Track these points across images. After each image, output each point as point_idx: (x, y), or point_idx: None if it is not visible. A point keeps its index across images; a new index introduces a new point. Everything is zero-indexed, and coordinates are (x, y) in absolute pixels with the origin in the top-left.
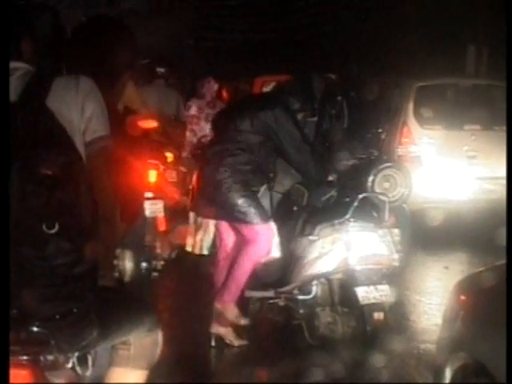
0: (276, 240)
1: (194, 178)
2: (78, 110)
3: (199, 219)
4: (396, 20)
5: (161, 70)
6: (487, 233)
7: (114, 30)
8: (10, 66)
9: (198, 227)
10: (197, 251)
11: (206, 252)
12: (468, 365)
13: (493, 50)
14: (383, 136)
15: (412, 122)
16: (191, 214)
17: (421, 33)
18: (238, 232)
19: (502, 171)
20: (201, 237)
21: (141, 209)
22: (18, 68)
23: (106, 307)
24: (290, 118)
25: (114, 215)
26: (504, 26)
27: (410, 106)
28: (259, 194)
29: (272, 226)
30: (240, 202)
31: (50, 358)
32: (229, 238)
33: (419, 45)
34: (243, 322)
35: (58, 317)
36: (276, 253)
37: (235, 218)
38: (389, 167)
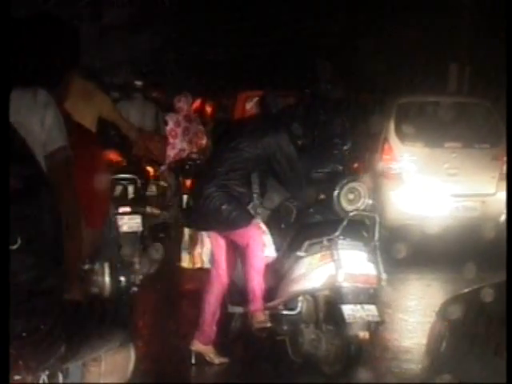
0: (269, 238)
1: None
2: (38, 122)
3: (195, 234)
4: (379, 38)
5: (138, 83)
6: (469, 250)
7: (54, 28)
8: None
9: (194, 242)
10: (197, 265)
11: (208, 265)
12: None
13: (475, 68)
14: (347, 151)
15: (393, 138)
16: (186, 230)
17: (404, 50)
18: (232, 246)
19: (483, 189)
20: (199, 251)
21: (106, 213)
22: None
23: (75, 322)
24: (292, 144)
25: (77, 227)
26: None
27: (392, 122)
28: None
29: (261, 224)
30: (225, 210)
31: (18, 378)
32: (221, 257)
33: (401, 62)
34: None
35: (24, 334)
36: (271, 252)
37: (223, 227)
38: (353, 180)
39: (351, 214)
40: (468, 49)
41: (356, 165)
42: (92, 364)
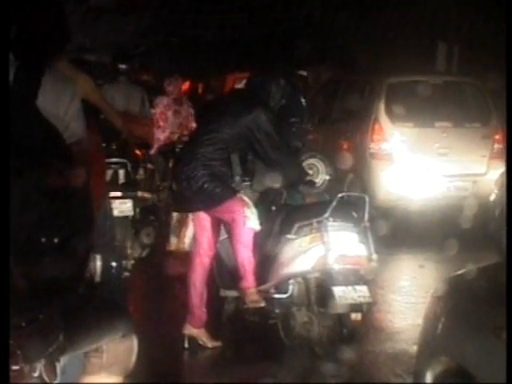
0: (252, 211)
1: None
2: (63, 111)
3: (182, 217)
4: (367, 17)
5: (123, 66)
6: (460, 230)
7: (44, 8)
8: None
9: (181, 225)
10: (181, 248)
11: (184, 248)
12: (450, 369)
13: (463, 47)
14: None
15: (383, 119)
16: (174, 213)
17: (392, 30)
18: (215, 227)
19: (473, 168)
20: (185, 234)
21: (102, 197)
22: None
23: (74, 312)
24: (270, 119)
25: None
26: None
27: (382, 103)
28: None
29: (243, 198)
30: (207, 187)
31: (16, 368)
32: (202, 237)
33: (390, 42)
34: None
35: (23, 324)
36: (255, 224)
37: (208, 204)
38: (311, 157)
39: (340, 195)
40: (456, 27)
41: (345, 145)
42: (94, 355)
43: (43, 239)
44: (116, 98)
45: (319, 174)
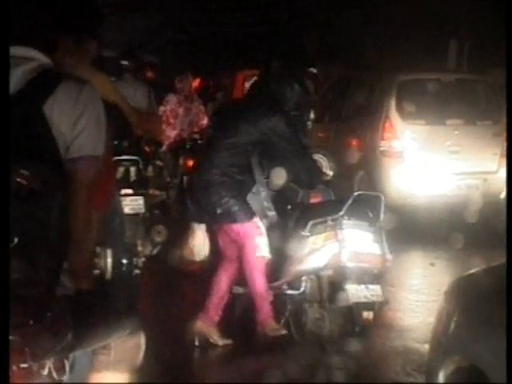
0: (264, 240)
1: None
2: (71, 123)
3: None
4: (378, 15)
5: (125, 63)
6: (470, 228)
7: None
8: (21, 53)
9: (189, 233)
10: (189, 257)
11: (196, 258)
12: (462, 368)
13: (474, 44)
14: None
15: (394, 116)
16: (192, 223)
17: (403, 27)
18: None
19: (484, 166)
20: (192, 243)
21: (111, 194)
22: (33, 59)
23: (83, 310)
24: (288, 124)
25: (85, 242)
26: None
27: (393, 100)
28: (250, 193)
29: (259, 224)
30: (226, 202)
31: (24, 365)
32: (225, 247)
33: (401, 39)
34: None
35: (31, 322)
36: (265, 252)
37: (222, 219)
38: (315, 152)
39: (356, 193)
40: (467, 25)
41: (356, 143)
42: (102, 352)
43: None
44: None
45: (323, 169)
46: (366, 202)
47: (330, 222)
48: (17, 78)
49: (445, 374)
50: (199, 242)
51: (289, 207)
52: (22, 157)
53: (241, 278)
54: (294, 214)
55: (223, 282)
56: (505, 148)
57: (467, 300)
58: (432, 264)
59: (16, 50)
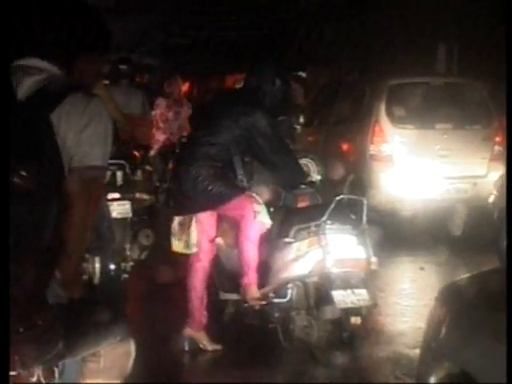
0: (263, 207)
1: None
2: (76, 132)
3: (183, 219)
4: (367, 19)
5: (123, 67)
6: (460, 232)
7: (71, 3)
8: (36, 65)
9: (183, 228)
10: (181, 250)
11: (190, 250)
12: (453, 374)
13: (463, 48)
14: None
15: (384, 120)
16: (176, 217)
17: (392, 30)
18: (215, 230)
19: (474, 170)
20: (189, 236)
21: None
22: (46, 70)
23: (73, 318)
24: (269, 122)
25: (78, 252)
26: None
27: (382, 104)
28: None
29: (252, 194)
30: (214, 186)
31: (13, 373)
32: (203, 241)
33: (390, 42)
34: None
35: (21, 330)
36: (265, 219)
37: (215, 203)
38: (302, 157)
39: (338, 197)
40: (457, 28)
41: (346, 147)
42: (91, 359)
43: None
44: (118, 100)
45: (310, 173)
46: (350, 205)
47: (313, 228)
48: (28, 86)
49: (435, 380)
50: (194, 235)
51: (271, 210)
52: (23, 159)
53: (227, 285)
54: (276, 219)
55: (197, 282)
56: (494, 152)
57: (458, 306)
58: (421, 268)
59: (31, 61)
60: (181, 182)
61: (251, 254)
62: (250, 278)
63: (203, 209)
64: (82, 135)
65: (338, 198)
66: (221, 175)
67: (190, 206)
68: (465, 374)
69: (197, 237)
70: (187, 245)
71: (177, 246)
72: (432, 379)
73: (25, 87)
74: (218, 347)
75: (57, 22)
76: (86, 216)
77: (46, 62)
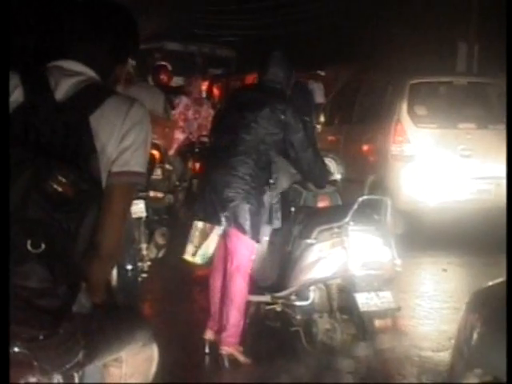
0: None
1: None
2: (118, 138)
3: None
4: (388, 18)
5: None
6: (483, 233)
7: (113, 13)
8: (75, 68)
9: (203, 235)
10: (190, 259)
11: (199, 261)
12: (486, 382)
13: (484, 46)
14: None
15: (406, 120)
16: (197, 223)
17: (413, 30)
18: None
19: (497, 171)
20: (197, 244)
21: None
22: (83, 73)
23: (94, 326)
24: (300, 118)
25: (116, 257)
26: (495, 23)
27: (404, 103)
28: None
29: (255, 245)
30: (244, 214)
31: (33, 380)
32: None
33: (411, 42)
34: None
35: (41, 337)
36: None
37: (235, 224)
38: (324, 156)
39: (361, 198)
40: (477, 27)
41: (367, 147)
42: (113, 365)
43: (28, 243)
44: (141, 100)
45: (331, 172)
46: (373, 206)
47: (335, 229)
48: (67, 87)
49: None
50: (208, 247)
51: (292, 209)
52: (62, 164)
53: (250, 286)
54: (297, 218)
55: (218, 284)
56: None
57: (490, 312)
58: (444, 270)
59: (70, 65)
60: (210, 189)
61: (235, 307)
62: (231, 334)
63: (218, 222)
64: (125, 141)
65: (361, 198)
66: (255, 195)
67: (215, 217)
68: (497, 382)
69: (221, 244)
70: (203, 255)
71: (189, 253)
72: None
73: (65, 88)
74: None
75: (103, 29)
76: (123, 220)
77: (83, 65)
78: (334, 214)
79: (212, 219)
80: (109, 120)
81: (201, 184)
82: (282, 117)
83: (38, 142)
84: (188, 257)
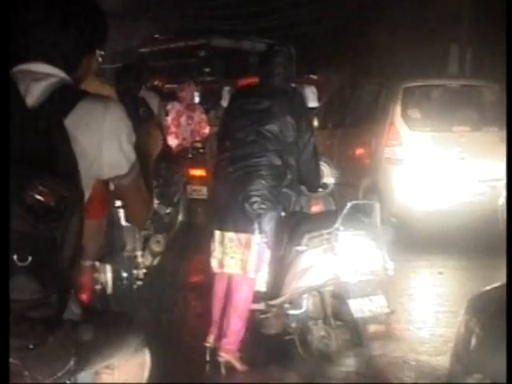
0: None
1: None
2: (100, 140)
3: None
4: (380, 21)
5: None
6: (479, 236)
7: (81, 4)
8: (42, 70)
9: (225, 246)
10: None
11: (252, 275)
12: None
13: (476, 49)
14: None
15: (400, 123)
16: (217, 232)
17: (405, 32)
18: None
19: (492, 173)
20: (242, 257)
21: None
22: (53, 75)
23: (86, 333)
24: (305, 121)
25: (92, 256)
26: (487, 25)
27: (398, 107)
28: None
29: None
30: (269, 218)
31: None
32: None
33: (402, 44)
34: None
35: (31, 346)
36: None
37: (249, 229)
38: None
39: (350, 203)
40: (469, 29)
41: (360, 150)
42: (105, 372)
43: (15, 257)
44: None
45: (324, 176)
46: (363, 210)
47: (325, 235)
48: (38, 92)
49: None
50: (253, 256)
51: (283, 214)
52: (40, 171)
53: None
54: (288, 225)
55: (219, 292)
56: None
57: (488, 316)
58: (440, 273)
59: (38, 67)
60: (229, 197)
61: (238, 316)
62: (232, 341)
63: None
64: (107, 142)
65: (349, 203)
66: (275, 207)
67: (234, 225)
68: None
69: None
70: (246, 267)
71: (217, 266)
72: None
73: (36, 93)
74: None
75: (64, 22)
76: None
77: (52, 66)
78: (324, 220)
79: (248, 229)
80: (86, 122)
81: (217, 192)
82: (294, 120)
83: (13, 152)
84: (235, 269)
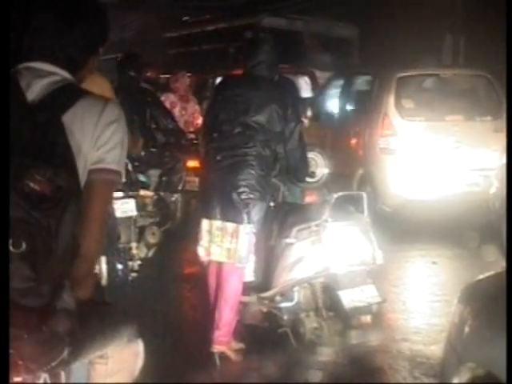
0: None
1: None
2: (93, 137)
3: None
4: (374, 10)
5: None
6: (473, 225)
7: (87, 4)
8: (46, 68)
9: (212, 235)
10: (230, 261)
11: (241, 265)
12: (478, 376)
13: (469, 38)
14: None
15: (393, 113)
16: (204, 221)
17: (398, 22)
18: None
19: (485, 163)
20: (228, 246)
21: None
22: (57, 74)
23: (80, 323)
24: (294, 111)
25: (95, 255)
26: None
27: (391, 97)
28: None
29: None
30: (258, 208)
31: (18, 379)
32: None
33: (396, 33)
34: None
35: (25, 336)
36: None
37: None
38: (310, 150)
39: (336, 195)
40: (463, 19)
41: (355, 141)
42: (98, 361)
43: (10, 243)
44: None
45: (318, 167)
46: (351, 200)
47: (314, 227)
48: (40, 88)
49: (459, 381)
50: (243, 245)
51: (272, 205)
52: (37, 162)
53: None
54: (277, 217)
55: (214, 283)
56: (505, 144)
57: (481, 305)
58: (434, 263)
59: (43, 65)
60: (221, 188)
61: (229, 307)
62: (224, 333)
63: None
64: (100, 140)
65: (336, 195)
66: (265, 198)
67: (227, 215)
68: (490, 376)
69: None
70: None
71: (204, 254)
72: (456, 380)
73: (37, 89)
74: (242, 346)
75: (70, 25)
76: (101, 219)
77: (57, 66)
78: (312, 212)
79: (236, 218)
80: (82, 120)
81: (206, 182)
82: (280, 109)
83: (12, 143)
84: (221, 258)
